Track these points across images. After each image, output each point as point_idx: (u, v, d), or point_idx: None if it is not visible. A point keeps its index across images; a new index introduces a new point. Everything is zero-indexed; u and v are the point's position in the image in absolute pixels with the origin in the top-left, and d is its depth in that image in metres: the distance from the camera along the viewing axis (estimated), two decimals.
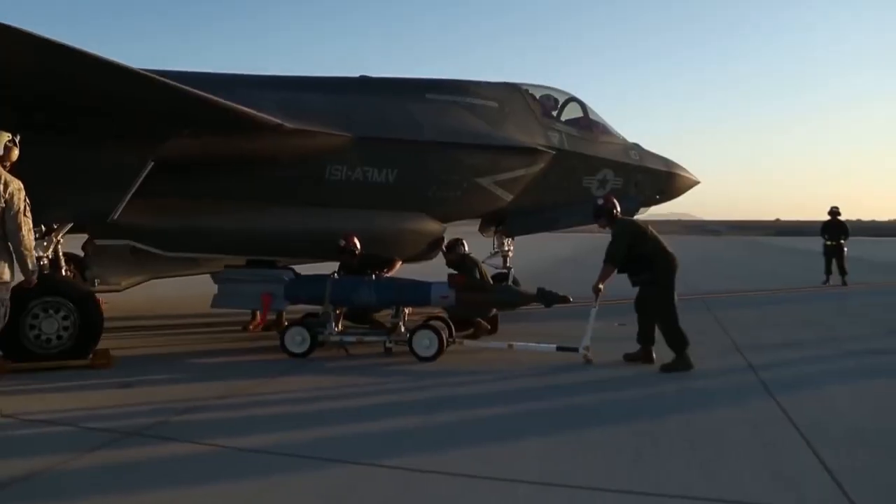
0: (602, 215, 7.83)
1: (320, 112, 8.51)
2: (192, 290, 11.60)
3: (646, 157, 11.97)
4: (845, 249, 16.77)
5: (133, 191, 6.99)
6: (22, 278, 5.43)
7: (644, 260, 7.48)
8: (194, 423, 5.24)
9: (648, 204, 12.35)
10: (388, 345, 7.86)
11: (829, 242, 16.90)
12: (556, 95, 11.35)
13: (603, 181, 11.32)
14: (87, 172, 6.71)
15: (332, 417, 5.50)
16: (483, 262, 11.43)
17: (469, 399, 6.06)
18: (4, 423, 5.05)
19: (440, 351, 7.53)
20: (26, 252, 5.24)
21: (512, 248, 11.70)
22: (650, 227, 7.79)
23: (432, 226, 9.31)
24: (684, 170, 12.69)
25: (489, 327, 8.91)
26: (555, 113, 11.10)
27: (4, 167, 5.20)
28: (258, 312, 9.16)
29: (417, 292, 7.98)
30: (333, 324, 7.89)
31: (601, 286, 7.62)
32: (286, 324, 8.10)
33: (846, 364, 7.61)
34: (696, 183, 13.17)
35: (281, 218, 8.32)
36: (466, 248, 9.50)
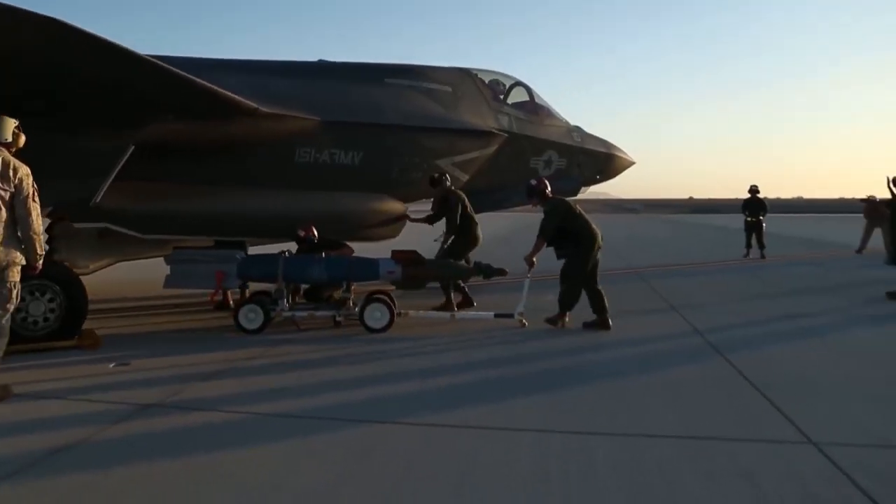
0: (534, 195, 8.63)
1: (287, 96, 8.72)
2: (138, 273, 11.58)
3: (587, 139, 12.67)
4: (764, 225, 18.00)
5: (114, 175, 7.12)
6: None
7: (572, 235, 8.25)
8: (207, 393, 5.51)
9: (588, 184, 13.05)
10: (337, 318, 8.32)
11: (749, 218, 18.09)
12: (502, 80, 11.85)
13: (548, 162, 11.95)
14: (68, 157, 6.77)
15: (338, 384, 5.84)
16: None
17: (454, 367, 6.47)
18: (22, 401, 5.22)
19: (390, 323, 8.01)
20: (35, 237, 5.34)
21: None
22: (578, 206, 8.54)
23: (395, 205, 9.69)
24: (622, 151, 13.45)
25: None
26: (502, 97, 11.61)
27: (11, 153, 5.30)
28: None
29: (366, 268, 8.47)
30: (286, 300, 8.22)
31: (534, 258, 8.39)
32: (231, 303, 8.34)
33: (776, 327, 8.43)
34: (632, 164, 13.96)
35: (253, 200, 8.52)
36: (449, 182, 9.71)
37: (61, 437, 4.39)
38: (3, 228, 5.19)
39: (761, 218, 17.90)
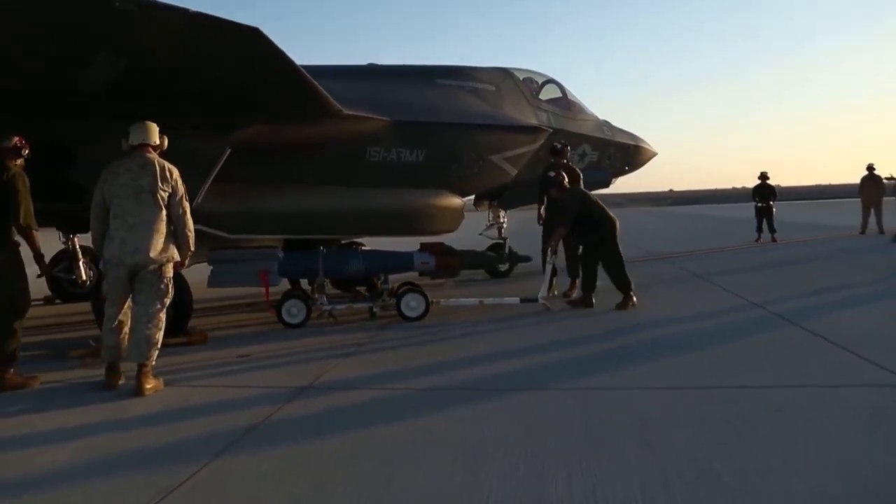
0: (554, 186, 9.25)
1: (353, 99, 9.09)
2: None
3: (616, 133, 13.22)
4: (774, 210, 18.66)
5: (212, 177, 7.47)
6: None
7: (591, 223, 8.88)
8: (348, 374, 5.90)
9: (618, 175, 13.59)
10: (374, 309, 8.74)
11: (759, 204, 18.76)
12: (535, 77, 12.32)
13: (582, 155, 12.46)
14: (179, 159, 7.08)
15: (463, 361, 6.26)
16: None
17: (551, 343, 6.86)
18: (181, 388, 5.60)
19: (426, 311, 8.44)
20: (189, 234, 5.71)
21: (506, 220, 12.68)
22: (594, 196, 9.21)
23: (454, 200, 10.11)
24: (647, 143, 14.01)
25: None
26: (536, 94, 12.08)
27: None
28: None
29: (402, 260, 8.97)
30: (324, 295, 8.59)
31: (555, 245, 9.11)
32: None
33: (824, 298, 8.97)
34: (656, 154, 14.52)
35: (330, 199, 8.87)
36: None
37: (247, 416, 4.73)
38: (164, 227, 5.55)
39: (771, 203, 18.55)
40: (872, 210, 19.62)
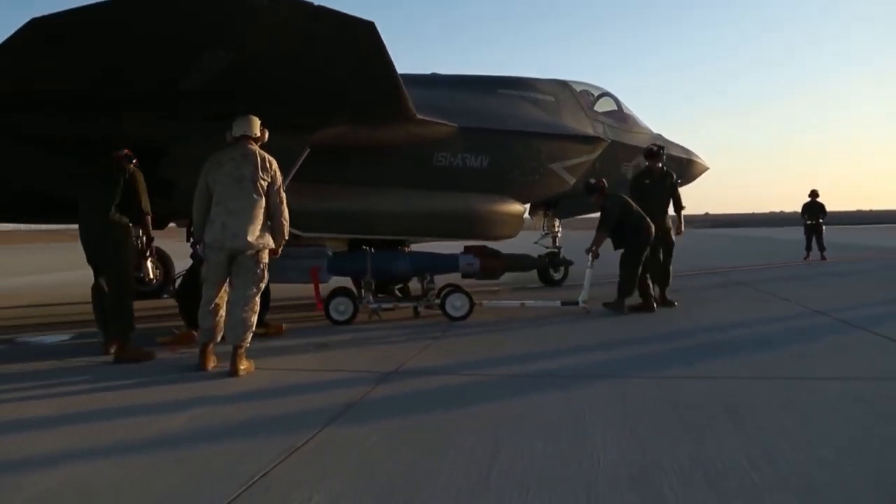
0: (594, 192, 9.43)
1: (421, 105, 9.32)
2: None
3: (670, 146, 13.29)
4: (823, 228, 18.54)
5: (292, 175, 7.72)
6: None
7: (630, 228, 9.05)
8: (430, 362, 6.07)
9: None
10: (419, 309, 8.96)
11: (809, 222, 18.65)
12: (592, 90, 12.49)
13: (637, 167, 12.55)
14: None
15: (537, 353, 6.42)
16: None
17: (624, 340, 7.01)
18: (278, 373, 5.82)
19: (470, 311, 8.62)
20: (285, 223, 5.98)
21: (560, 229, 12.83)
22: (633, 202, 9.28)
23: (516, 207, 10.29)
24: (699, 157, 14.08)
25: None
26: (593, 106, 12.24)
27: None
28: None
29: (448, 261, 9.19)
30: (370, 293, 8.80)
31: (595, 249, 9.26)
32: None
33: (887, 308, 8.96)
34: (708, 168, 14.57)
35: (398, 201, 9.10)
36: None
37: (343, 395, 4.92)
38: (262, 214, 5.82)
39: (820, 221, 18.45)
40: None
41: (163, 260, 11.80)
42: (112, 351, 6.39)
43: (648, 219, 9.16)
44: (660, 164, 9.87)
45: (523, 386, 5.16)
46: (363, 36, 5.46)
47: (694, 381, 5.18)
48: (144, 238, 6.75)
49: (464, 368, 5.81)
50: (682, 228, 9.49)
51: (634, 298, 9.08)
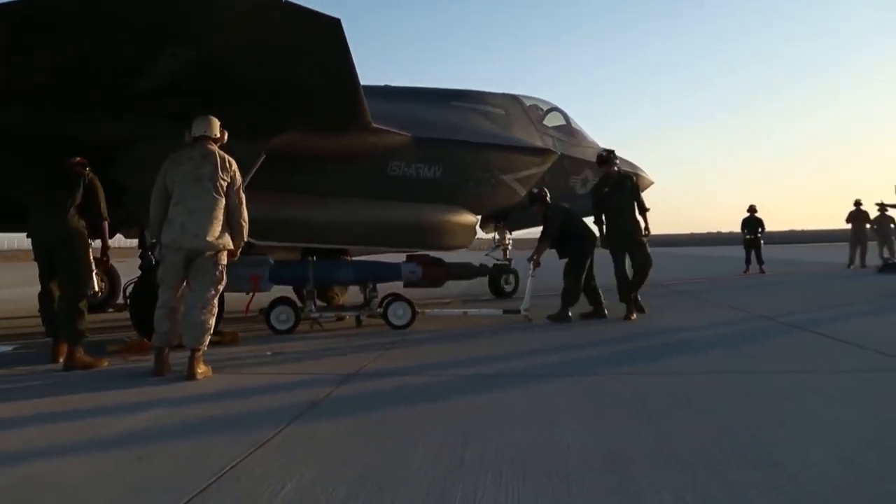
0: (536, 201, 9.63)
1: (374, 114, 9.36)
2: None
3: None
4: (762, 242, 19.17)
5: (247, 182, 7.64)
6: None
7: (574, 237, 9.23)
8: (392, 364, 6.08)
9: None
10: (361, 317, 8.99)
11: (748, 236, 19.26)
12: (541, 105, 12.74)
13: (585, 181, 12.82)
14: None
15: (506, 355, 6.50)
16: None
17: (573, 344, 7.11)
18: (239, 375, 5.76)
19: (412, 319, 8.68)
20: (244, 224, 5.92)
21: (510, 241, 12.99)
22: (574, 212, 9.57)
23: (469, 217, 10.40)
24: (644, 171, 14.44)
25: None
26: (542, 120, 12.48)
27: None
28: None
29: (390, 270, 9.28)
30: (312, 302, 8.77)
31: (537, 258, 9.44)
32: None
33: (825, 314, 9.29)
34: (652, 183, 14.96)
35: (352, 210, 9.11)
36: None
37: (306, 395, 4.86)
38: (222, 215, 5.75)
39: (759, 235, 19.08)
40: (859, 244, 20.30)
41: (109, 273, 11.52)
42: (61, 359, 6.21)
43: (591, 229, 9.38)
44: (615, 168, 9.58)
45: (486, 384, 5.20)
46: (327, 34, 5.44)
47: (651, 377, 5.30)
48: (101, 245, 6.67)
49: (425, 370, 5.82)
50: (649, 230, 9.46)
51: (585, 306, 9.22)
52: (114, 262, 7.92)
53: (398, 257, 9.67)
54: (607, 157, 9.59)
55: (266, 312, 8.46)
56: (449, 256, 9.99)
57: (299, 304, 8.74)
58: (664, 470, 3.15)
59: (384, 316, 8.66)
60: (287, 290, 9.22)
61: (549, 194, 9.73)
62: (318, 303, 9.15)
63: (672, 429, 3.82)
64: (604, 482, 3.02)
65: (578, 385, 5.08)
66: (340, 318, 9.31)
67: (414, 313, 8.67)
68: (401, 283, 9.49)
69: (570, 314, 8.89)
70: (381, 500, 2.88)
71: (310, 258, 8.98)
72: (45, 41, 5.31)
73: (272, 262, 8.80)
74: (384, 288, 9.29)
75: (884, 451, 3.36)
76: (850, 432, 3.69)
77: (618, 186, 9.29)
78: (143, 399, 4.88)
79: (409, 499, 2.89)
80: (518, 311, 9.03)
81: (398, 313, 8.66)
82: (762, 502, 2.76)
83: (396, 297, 8.84)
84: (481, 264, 10.57)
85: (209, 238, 5.63)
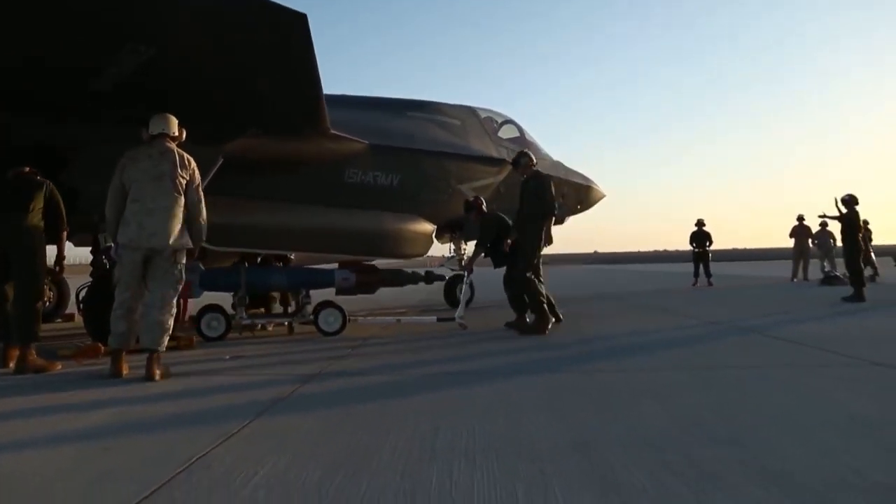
0: (472, 209, 9.57)
1: (333, 122, 9.35)
2: None
3: (570, 173, 13.88)
4: (710, 255, 19.65)
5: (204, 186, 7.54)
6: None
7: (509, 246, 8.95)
8: (354, 366, 6.05)
9: (571, 213, 14.19)
10: (293, 323, 9.03)
11: (697, 249, 19.74)
12: (495, 117, 12.90)
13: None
14: None
15: (467, 356, 6.58)
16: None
17: (530, 346, 7.18)
18: (199, 377, 5.65)
19: (343, 326, 8.70)
20: (203, 223, 5.81)
21: (466, 251, 13.04)
22: (508, 220, 9.44)
23: (426, 226, 10.42)
24: (597, 184, 14.71)
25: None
26: (497, 132, 12.63)
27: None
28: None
29: (324, 276, 9.31)
30: (243, 309, 8.72)
31: (470, 265, 9.60)
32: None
33: (771, 319, 9.59)
34: (604, 196, 15.24)
35: (308, 217, 9.03)
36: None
37: (269, 392, 4.82)
38: (181, 213, 5.66)
39: (707, 248, 19.55)
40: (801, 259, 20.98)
41: (58, 283, 11.24)
42: (12, 363, 6.00)
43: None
44: (527, 171, 9.02)
45: (450, 382, 5.19)
46: (292, 29, 5.37)
47: (614, 374, 5.39)
48: (57, 254, 6.59)
49: (387, 371, 5.80)
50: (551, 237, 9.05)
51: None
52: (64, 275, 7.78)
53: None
54: (517, 159, 9.21)
55: (196, 319, 8.35)
56: (407, 265, 9.99)
57: (231, 311, 8.66)
58: (634, 452, 3.21)
59: (315, 322, 8.65)
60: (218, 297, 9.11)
61: (484, 203, 9.70)
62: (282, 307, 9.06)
63: (638, 418, 3.89)
64: (575, 463, 3.07)
65: (541, 382, 5.13)
66: (263, 328, 9.24)
67: (345, 320, 8.68)
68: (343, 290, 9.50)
69: (528, 319, 8.73)
70: (358, 483, 2.87)
71: (242, 264, 8.91)
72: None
73: (202, 268, 8.69)
74: (319, 295, 9.30)
75: (838, 430, 3.51)
76: (806, 415, 3.84)
77: (526, 188, 8.85)
78: (102, 398, 4.76)
79: (385, 481, 2.89)
80: (453, 319, 9.04)
81: (329, 320, 8.64)
82: (730, 477, 2.84)
83: (327, 303, 8.84)
84: (413, 272, 10.51)
85: (168, 237, 5.54)
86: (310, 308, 8.87)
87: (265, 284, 9.22)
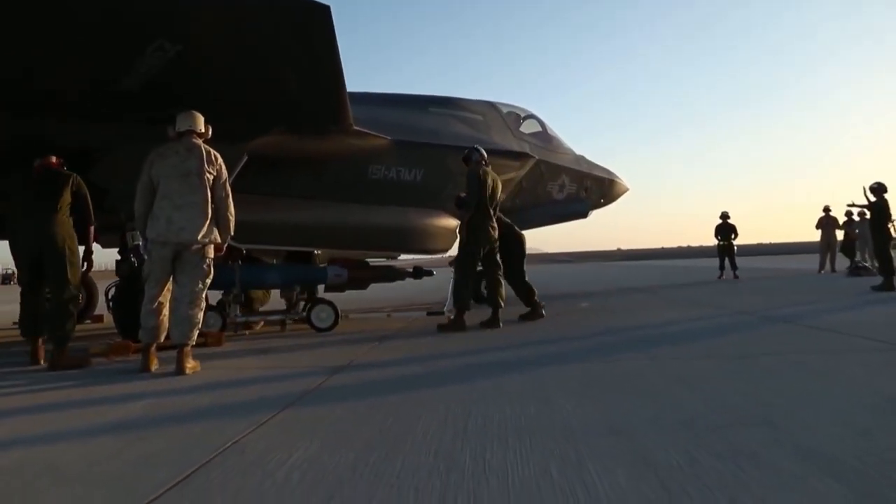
0: (469, 161, 8.76)
1: (356, 119, 9.38)
2: None
3: (593, 167, 13.82)
4: (735, 248, 19.47)
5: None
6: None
7: (500, 240, 8.78)
8: (386, 358, 6.08)
9: (595, 207, 14.14)
10: (286, 320, 9.14)
11: (721, 242, 19.56)
12: (518, 111, 12.88)
13: (562, 186, 12.99)
14: None
15: (488, 349, 6.59)
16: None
17: (548, 338, 7.19)
18: (229, 372, 5.70)
19: (335, 322, 8.74)
20: (231, 218, 5.88)
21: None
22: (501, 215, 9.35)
23: (450, 221, 10.40)
24: (621, 178, 14.64)
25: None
26: (520, 127, 12.61)
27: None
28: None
29: (317, 273, 9.38)
30: (237, 307, 8.78)
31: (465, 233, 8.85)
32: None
33: (802, 309, 9.46)
34: (628, 189, 15.16)
35: (333, 213, 9.06)
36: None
37: (298, 384, 4.85)
38: (209, 209, 5.71)
39: (732, 241, 19.37)
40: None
41: (86, 284, 11.38)
42: (43, 361, 6.09)
43: (517, 229, 9.53)
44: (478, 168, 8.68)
45: (479, 372, 5.19)
46: (315, 22, 5.40)
47: (646, 362, 5.34)
48: (84, 251, 6.56)
49: (415, 362, 5.81)
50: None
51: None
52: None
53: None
54: (467, 154, 8.89)
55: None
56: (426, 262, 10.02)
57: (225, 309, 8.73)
58: (668, 433, 3.19)
59: (308, 319, 8.72)
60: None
61: (485, 156, 8.94)
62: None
63: (671, 402, 3.86)
64: (609, 444, 3.05)
65: (569, 370, 5.10)
66: (250, 325, 9.34)
67: (337, 316, 8.74)
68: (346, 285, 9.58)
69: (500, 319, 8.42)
70: (392, 463, 2.89)
71: (236, 262, 8.94)
72: (24, 37, 5.25)
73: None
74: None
75: (875, 412, 3.46)
76: (842, 398, 3.78)
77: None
78: (135, 391, 4.83)
79: (419, 461, 2.90)
80: (442, 313, 9.05)
81: (321, 316, 8.72)
82: (766, 454, 2.81)
83: (319, 300, 8.92)
84: (404, 267, 10.61)
85: (196, 232, 5.60)
86: (302, 305, 8.94)
87: (260, 282, 9.33)
